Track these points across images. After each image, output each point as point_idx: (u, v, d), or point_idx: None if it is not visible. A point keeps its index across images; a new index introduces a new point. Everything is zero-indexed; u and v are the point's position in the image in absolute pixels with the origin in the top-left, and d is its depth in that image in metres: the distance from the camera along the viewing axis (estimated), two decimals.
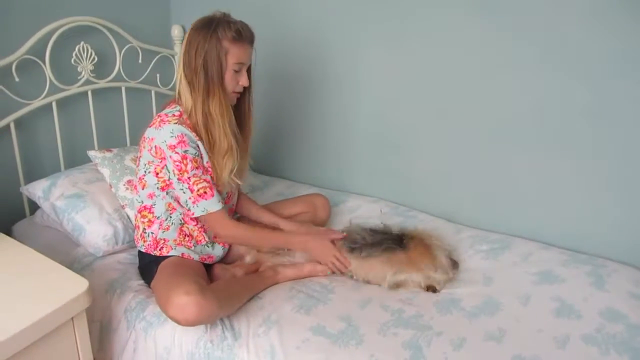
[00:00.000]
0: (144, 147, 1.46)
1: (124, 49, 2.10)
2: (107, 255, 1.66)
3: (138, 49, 2.17)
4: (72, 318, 1.14)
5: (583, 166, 1.72)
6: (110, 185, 1.77)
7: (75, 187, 1.75)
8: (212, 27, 1.39)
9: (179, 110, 1.44)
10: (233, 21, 1.42)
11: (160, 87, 2.33)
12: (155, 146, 1.41)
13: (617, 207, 1.71)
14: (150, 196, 1.50)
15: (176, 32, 2.33)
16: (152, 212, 1.51)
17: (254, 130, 1.64)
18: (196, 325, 1.28)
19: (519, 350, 1.28)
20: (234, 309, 1.40)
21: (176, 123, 1.39)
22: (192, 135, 1.41)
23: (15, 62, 1.72)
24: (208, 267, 1.58)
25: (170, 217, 1.52)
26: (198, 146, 1.42)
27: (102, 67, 2.05)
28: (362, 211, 2.07)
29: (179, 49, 2.37)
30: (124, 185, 1.76)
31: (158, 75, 2.29)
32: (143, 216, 1.53)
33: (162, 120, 1.41)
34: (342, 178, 2.30)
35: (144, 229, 1.52)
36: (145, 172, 1.48)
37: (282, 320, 1.37)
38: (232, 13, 1.46)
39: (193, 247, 1.54)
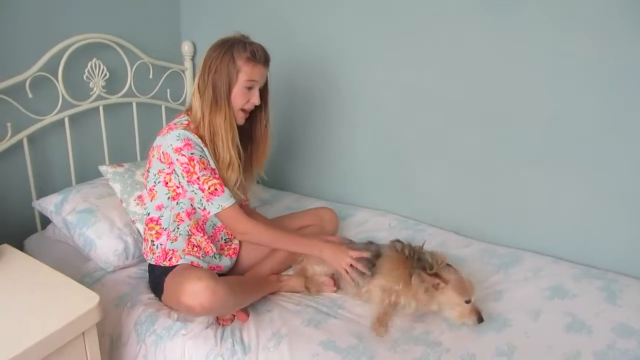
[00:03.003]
0: (153, 157, 1.49)
1: (135, 65, 2.13)
2: (117, 269, 1.67)
3: (149, 64, 2.20)
4: (82, 333, 1.15)
5: (593, 180, 1.71)
6: (121, 200, 1.79)
7: (86, 202, 1.77)
8: (227, 46, 1.45)
9: (187, 120, 1.48)
10: (249, 42, 1.47)
11: (171, 102, 2.35)
12: (163, 152, 1.44)
13: (628, 222, 1.69)
14: (159, 208, 1.51)
15: (186, 47, 2.36)
16: (160, 224, 1.53)
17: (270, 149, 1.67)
18: (210, 313, 1.30)
19: None
20: (243, 303, 1.42)
21: (184, 129, 1.43)
22: (199, 141, 1.44)
23: (29, 78, 1.75)
24: None
25: (178, 228, 1.53)
26: (204, 151, 1.45)
27: (113, 83, 2.08)
28: (370, 225, 2.07)
29: (189, 65, 2.41)
30: (135, 200, 1.78)
31: (168, 90, 2.32)
32: (150, 228, 1.54)
33: (169, 128, 1.45)
34: (350, 191, 2.30)
35: (152, 241, 1.54)
36: (155, 182, 1.50)
37: (292, 334, 1.36)
38: (239, 30, 1.51)
39: (202, 258, 1.55)
